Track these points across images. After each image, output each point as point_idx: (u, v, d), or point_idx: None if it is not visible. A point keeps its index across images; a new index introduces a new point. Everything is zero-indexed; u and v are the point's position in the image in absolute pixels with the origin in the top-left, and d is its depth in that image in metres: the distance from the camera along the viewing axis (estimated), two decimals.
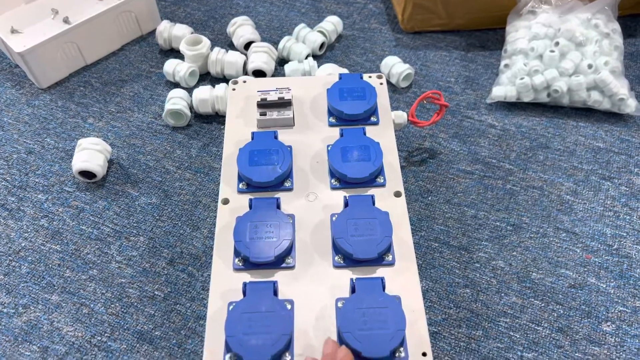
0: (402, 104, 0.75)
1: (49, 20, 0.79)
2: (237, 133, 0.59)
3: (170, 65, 0.76)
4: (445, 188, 0.66)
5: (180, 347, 0.54)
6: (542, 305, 0.56)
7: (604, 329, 0.54)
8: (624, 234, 0.61)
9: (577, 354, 0.53)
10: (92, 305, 0.57)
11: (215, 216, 0.51)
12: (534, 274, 0.59)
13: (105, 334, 0.55)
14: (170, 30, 0.80)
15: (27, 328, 0.55)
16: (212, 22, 0.87)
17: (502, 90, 0.73)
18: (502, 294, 0.57)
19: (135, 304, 0.57)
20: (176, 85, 0.77)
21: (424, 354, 0.43)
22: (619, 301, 0.56)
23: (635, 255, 0.60)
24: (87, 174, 0.65)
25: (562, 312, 0.56)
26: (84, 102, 0.76)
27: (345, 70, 0.76)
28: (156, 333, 0.55)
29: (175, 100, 0.71)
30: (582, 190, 0.65)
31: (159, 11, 0.86)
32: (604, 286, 0.57)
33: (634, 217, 0.63)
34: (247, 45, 0.80)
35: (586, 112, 0.73)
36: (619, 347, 0.53)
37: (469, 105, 0.75)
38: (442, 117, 0.66)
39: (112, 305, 0.57)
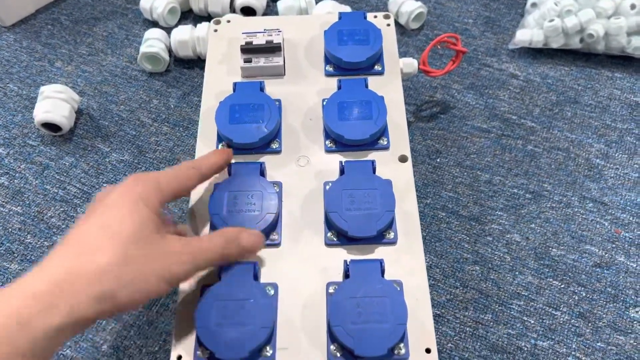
0: (411, 48, 0.66)
1: None
2: (218, 83, 0.50)
3: (147, 1, 0.66)
4: (457, 148, 0.58)
5: (151, 325, 0.48)
6: (562, 286, 0.50)
7: (632, 315, 0.48)
8: None
9: (599, 344, 0.47)
10: None
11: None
12: (553, 250, 0.52)
13: None
14: None
15: None
16: None
17: (528, 34, 0.64)
18: (516, 273, 0.51)
19: None
20: (154, 24, 0.68)
21: (428, 351, 0.37)
22: None
23: None
24: (51, 126, 0.58)
25: (584, 294, 0.49)
26: (52, 42, 0.67)
27: (346, 9, 0.66)
28: None
29: (152, 42, 0.62)
30: (614, 153, 0.57)
31: None
32: (634, 266, 0.51)
33: None
34: None
35: (624, 61, 0.63)
36: None
37: (487, 51, 0.66)
38: (458, 65, 0.58)
39: None
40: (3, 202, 0.55)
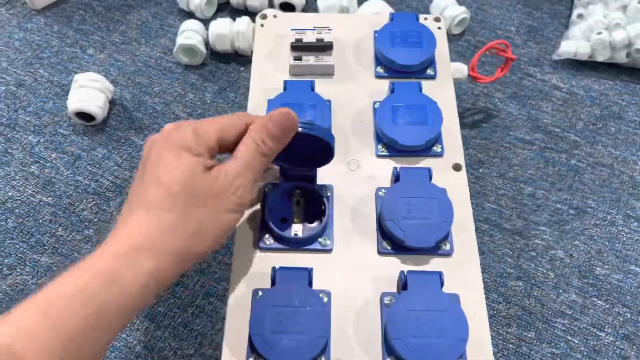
0: (453, 53, 0.65)
1: None
2: (266, 80, 0.49)
3: None
4: (500, 159, 0.57)
5: (187, 328, 0.46)
6: (607, 306, 0.49)
7: None
8: None
9: None
10: None
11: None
12: (598, 268, 0.51)
13: None
14: None
15: (12, 293, 0.48)
16: None
17: (573, 45, 0.62)
18: (560, 291, 0.49)
19: None
20: (190, 15, 0.66)
21: None
22: None
23: None
24: (84, 116, 0.56)
25: (629, 316, 0.48)
26: (84, 28, 0.65)
27: (390, 10, 0.64)
28: (159, 309, 0.47)
29: (189, 33, 0.61)
30: None
31: None
32: None
33: None
34: None
35: None
36: None
37: (530, 61, 0.64)
38: (507, 72, 0.56)
39: None
40: (34, 192, 0.53)
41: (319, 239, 0.40)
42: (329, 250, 0.40)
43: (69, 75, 0.61)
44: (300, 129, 0.36)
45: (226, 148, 0.36)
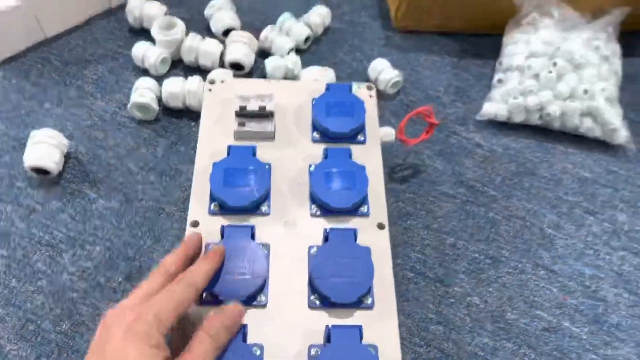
0: (387, 111, 0.71)
1: None
2: (212, 143, 0.54)
3: (140, 50, 0.69)
4: (426, 211, 0.63)
5: None
6: (514, 348, 0.55)
7: None
8: (602, 275, 0.60)
9: None
10: (39, 321, 0.52)
11: (179, 228, 0.48)
12: (508, 313, 0.57)
13: (52, 356, 0.50)
14: (141, 8, 0.72)
15: None
16: None
17: (494, 107, 0.70)
18: (475, 334, 0.55)
19: (87, 322, 0.52)
20: (145, 71, 0.70)
21: None
22: (591, 348, 0.55)
23: (611, 299, 0.59)
24: (40, 170, 0.59)
25: (533, 356, 0.55)
26: (42, 82, 0.69)
27: (331, 71, 0.70)
28: None
29: (143, 91, 0.65)
30: (564, 224, 0.64)
31: None
32: (578, 331, 0.56)
33: (614, 258, 0.61)
34: (227, 32, 0.73)
35: (577, 139, 0.71)
36: None
37: (457, 120, 0.71)
38: (431, 135, 0.63)
39: (61, 323, 0.52)
40: None
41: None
42: (263, 305, 0.45)
43: (26, 128, 0.64)
44: None
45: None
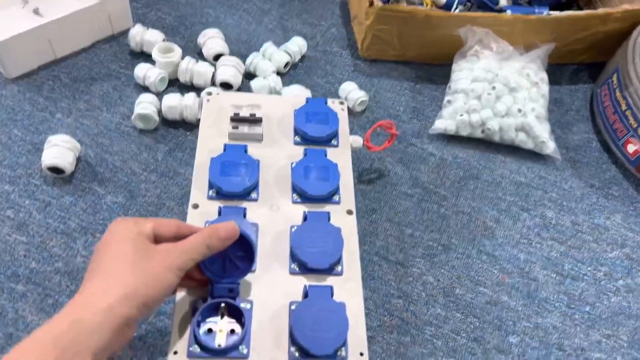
0: (356, 126, 0.83)
1: (16, 8, 0.79)
2: (210, 142, 0.64)
3: (141, 70, 0.80)
4: (388, 208, 0.74)
5: (141, 340, 0.58)
6: (462, 317, 0.66)
7: (511, 340, 0.64)
8: (534, 260, 0.72)
9: None
10: (56, 296, 0.60)
11: (179, 219, 0.56)
12: (457, 289, 0.68)
13: None
14: (142, 34, 0.83)
15: None
16: (182, 28, 0.91)
17: (444, 123, 0.83)
18: (430, 306, 0.66)
19: None
20: (145, 89, 0.81)
21: (361, 354, 0.51)
22: (525, 317, 0.66)
23: (541, 278, 0.70)
24: (55, 170, 0.68)
25: (477, 324, 0.65)
26: (53, 96, 0.78)
27: (308, 91, 0.82)
28: None
29: (145, 104, 0.75)
30: (503, 218, 0.76)
31: (132, 12, 0.89)
32: (514, 304, 0.68)
33: (544, 246, 0.74)
34: (217, 57, 0.85)
35: (513, 150, 0.84)
36: (521, 356, 0.63)
37: (414, 134, 0.84)
38: (392, 143, 0.75)
39: None
40: (9, 232, 0.64)
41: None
42: (253, 271, 0.55)
43: (39, 135, 0.73)
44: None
45: (160, 240, 0.46)
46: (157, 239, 0.46)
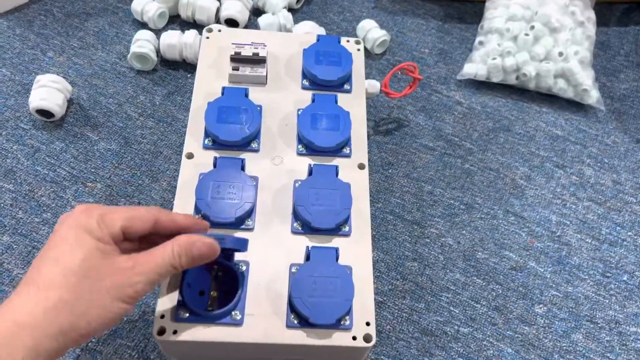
0: (374, 70, 0.75)
1: None
2: (208, 85, 0.57)
3: (139, 4, 0.72)
4: (406, 162, 0.67)
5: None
6: (483, 284, 0.60)
7: (536, 310, 0.59)
8: (568, 222, 0.65)
9: (508, 332, 0.57)
10: None
11: (176, 169, 0.51)
12: (479, 253, 0.62)
13: None
14: None
15: None
16: None
17: (474, 67, 0.74)
18: (447, 270, 0.60)
19: None
20: (144, 25, 0.74)
21: (368, 324, 0.46)
22: (553, 286, 0.60)
23: (574, 243, 0.63)
24: (44, 113, 0.63)
25: (500, 292, 0.59)
26: (44, 33, 0.72)
27: (322, 29, 0.74)
28: None
29: (142, 42, 0.68)
30: (535, 176, 0.68)
31: None
32: (542, 270, 0.61)
33: (579, 207, 0.66)
34: None
35: (550, 99, 0.75)
36: (547, 328, 0.57)
37: (439, 80, 0.75)
38: (414, 90, 0.67)
39: None
40: None
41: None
42: (251, 229, 0.49)
43: (29, 75, 0.67)
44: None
45: (132, 237, 0.39)
46: (127, 237, 0.39)
